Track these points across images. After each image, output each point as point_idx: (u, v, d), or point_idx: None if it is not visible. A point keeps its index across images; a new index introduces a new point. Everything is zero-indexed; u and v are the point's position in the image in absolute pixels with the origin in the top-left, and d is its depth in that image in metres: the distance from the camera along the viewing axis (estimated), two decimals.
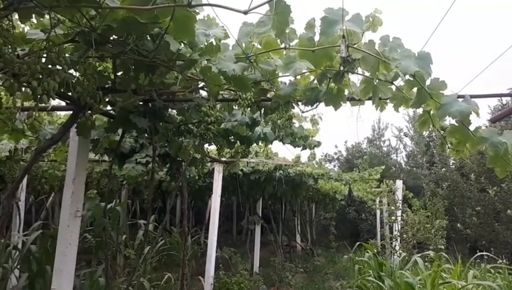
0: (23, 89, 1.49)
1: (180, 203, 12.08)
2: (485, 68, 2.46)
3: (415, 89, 1.79)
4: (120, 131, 2.73)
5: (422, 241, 7.36)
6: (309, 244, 11.70)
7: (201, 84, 2.18)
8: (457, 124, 1.80)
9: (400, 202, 8.17)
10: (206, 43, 1.73)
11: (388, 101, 2.03)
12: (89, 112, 1.85)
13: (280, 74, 1.99)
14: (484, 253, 6.08)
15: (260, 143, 3.24)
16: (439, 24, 2.22)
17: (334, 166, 20.44)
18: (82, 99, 1.67)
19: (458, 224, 11.14)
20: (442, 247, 6.95)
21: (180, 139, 2.94)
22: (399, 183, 8.78)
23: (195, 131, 2.81)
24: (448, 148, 2.09)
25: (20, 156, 3.97)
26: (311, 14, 1.77)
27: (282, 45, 1.80)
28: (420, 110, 2.02)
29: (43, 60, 1.51)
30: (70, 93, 1.98)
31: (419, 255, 5.46)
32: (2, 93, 2.32)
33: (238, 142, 3.21)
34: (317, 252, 11.12)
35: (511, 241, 10.12)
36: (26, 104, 2.28)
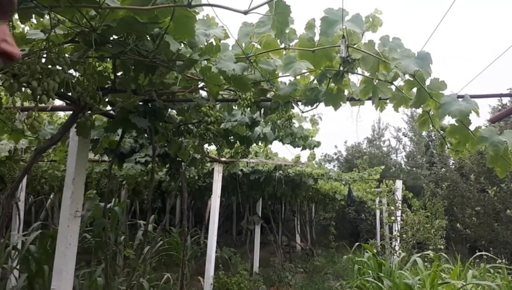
0: (23, 89, 1.49)
1: (179, 204, 12.07)
2: (485, 68, 2.46)
3: (414, 89, 1.79)
4: (120, 131, 2.72)
5: (422, 241, 7.36)
6: (309, 244, 11.70)
7: (201, 84, 2.18)
8: (457, 124, 1.80)
9: (400, 202, 8.17)
10: (206, 43, 1.73)
11: (388, 101, 2.03)
12: (89, 112, 1.85)
13: (280, 74, 1.99)
14: (483, 253, 6.08)
15: (260, 143, 3.24)
16: (439, 24, 2.22)
17: (334, 166, 20.46)
18: (82, 100, 1.67)
19: (458, 224, 11.14)
20: (442, 247, 6.95)
21: (180, 139, 2.94)
22: (399, 184, 8.78)
23: (195, 131, 2.81)
24: (448, 148, 2.09)
25: (20, 156, 3.97)
26: (311, 14, 1.78)
27: (282, 45, 1.80)
28: (419, 111, 2.02)
29: (43, 60, 1.51)
30: (70, 94, 1.98)
31: (418, 255, 5.46)
32: (2, 93, 2.32)
33: (237, 142, 3.21)
34: (317, 252, 11.12)
35: (510, 241, 10.13)
36: (26, 104, 2.27)
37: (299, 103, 2.22)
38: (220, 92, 2.21)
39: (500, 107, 13.05)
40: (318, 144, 3.81)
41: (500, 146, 1.67)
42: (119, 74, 2.07)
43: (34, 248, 4.38)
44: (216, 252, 5.81)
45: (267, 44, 1.81)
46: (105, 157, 3.75)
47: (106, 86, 2.12)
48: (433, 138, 16.44)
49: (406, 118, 18.78)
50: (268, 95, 2.27)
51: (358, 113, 2.26)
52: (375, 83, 1.91)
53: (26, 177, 5.23)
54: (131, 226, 8.23)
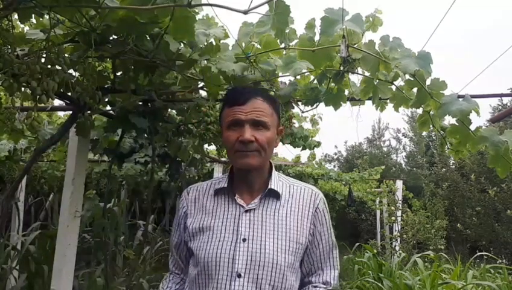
0: (22, 89, 1.49)
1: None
2: (486, 68, 2.46)
3: (415, 89, 1.78)
4: (119, 131, 2.72)
5: (422, 242, 7.36)
6: None
7: (201, 84, 2.18)
8: (457, 124, 1.80)
9: (400, 202, 8.17)
10: (205, 43, 1.73)
11: (388, 101, 2.02)
12: (89, 112, 1.84)
13: (280, 74, 1.99)
14: (484, 253, 6.08)
15: None
16: (440, 24, 2.22)
17: (334, 166, 20.47)
18: (81, 100, 1.67)
19: (458, 224, 11.12)
20: (442, 247, 6.95)
21: (180, 139, 2.94)
22: (399, 184, 8.78)
23: (194, 131, 2.81)
24: (448, 148, 2.09)
25: (20, 157, 3.97)
26: (311, 14, 1.77)
27: (282, 45, 1.80)
28: (419, 111, 2.01)
29: (43, 60, 1.50)
30: (69, 93, 1.98)
31: (419, 255, 5.45)
32: (2, 93, 2.32)
33: None
34: None
35: (510, 241, 10.11)
36: (25, 104, 2.27)
37: (299, 103, 2.22)
38: (220, 92, 2.20)
39: (500, 107, 13.06)
40: (318, 144, 3.82)
41: (501, 146, 1.66)
42: (118, 73, 2.07)
43: (33, 248, 4.37)
44: None
45: (267, 44, 1.80)
46: (105, 158, 3.74)
47: (106, 86, 2.12)
48: (434, 138, 16.45)
49: (407, 118, 18.81)
50: None
51: (359, 113, 2.26)
52: (375, 83, 1.90)
53: (25, 177, 5.22)
54: (131, 227, 8.22)
